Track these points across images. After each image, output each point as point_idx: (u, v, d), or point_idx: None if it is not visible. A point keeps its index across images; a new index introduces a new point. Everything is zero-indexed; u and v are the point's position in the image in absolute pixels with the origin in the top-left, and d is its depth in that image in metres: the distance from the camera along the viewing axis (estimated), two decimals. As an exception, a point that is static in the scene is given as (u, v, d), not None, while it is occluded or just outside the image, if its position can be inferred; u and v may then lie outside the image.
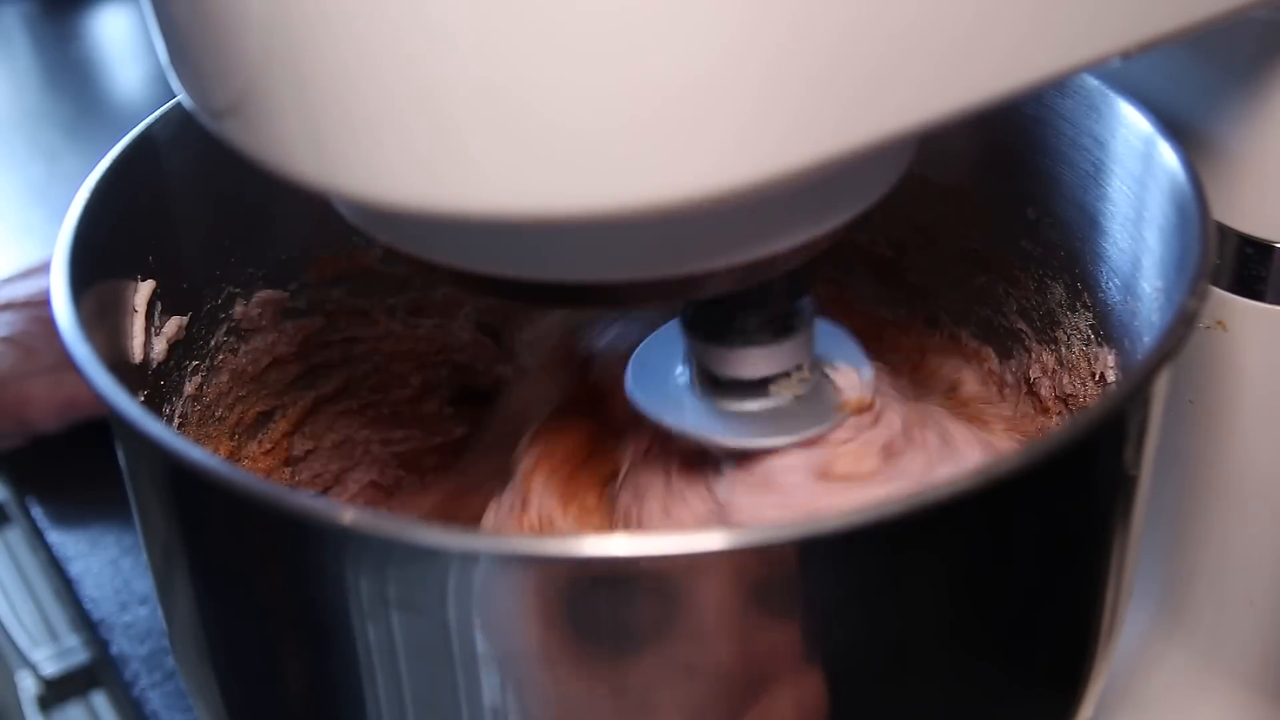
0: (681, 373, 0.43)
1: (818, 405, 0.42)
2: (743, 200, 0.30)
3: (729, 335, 0.41)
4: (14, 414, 0.76)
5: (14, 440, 0.77)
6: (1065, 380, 0.49)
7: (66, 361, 0.37)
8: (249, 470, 0.53)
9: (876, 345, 0.54)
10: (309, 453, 0.55)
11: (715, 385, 0.42)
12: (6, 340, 0.77)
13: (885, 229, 0.54)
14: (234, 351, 0.51)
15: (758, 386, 0.42)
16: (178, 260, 0.47)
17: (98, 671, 0.70)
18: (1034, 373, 0.50)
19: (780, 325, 0.41)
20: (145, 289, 0.45)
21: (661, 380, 0.43)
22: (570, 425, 0.47)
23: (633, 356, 0.44)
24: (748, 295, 0.39)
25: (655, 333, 0.45)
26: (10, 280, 0.82)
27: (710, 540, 0.31)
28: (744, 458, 0.41)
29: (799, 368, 0.42)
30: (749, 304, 0.40)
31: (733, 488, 0.41)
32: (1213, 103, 0.45)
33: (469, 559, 0.32)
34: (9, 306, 0.80)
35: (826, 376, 0.43)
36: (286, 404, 0.54)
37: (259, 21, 0.30)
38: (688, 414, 0.42)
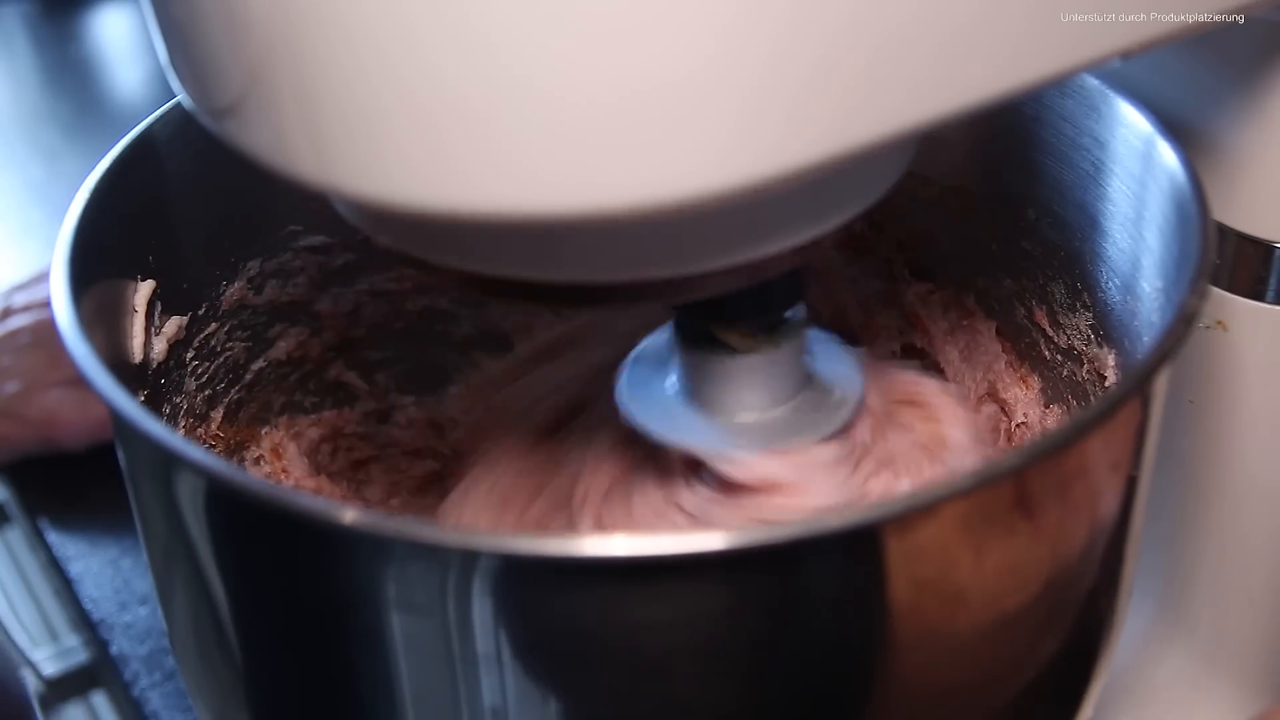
0: (672, 384, 0.43)
1: (809, 418, 0.42)
2: (740, 201, 0.30)
3: (715, 347, 0.41)
4: (42, 433, 0.75)
5: (35, 453, 0.76)
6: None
7: None
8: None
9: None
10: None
11: (704, 397, 0.42)
12: (31, 348, 0.77)
13: (885, 228, 0.54)
14: (234, 351, 0.51)
15: (744, 399, 0.42)
16: (178, 260, 0.47)
17: (98, 671, 0.70)
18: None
19: (767, 337, 0.41)
20: (145, 289, 0.45)
21: (653, 391, 0.43)
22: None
23: (624, 368, 0.44)
24: (737, 305, 0.39)
25: (644, 343, 0.45)
26: (33, 282, 0.82)
27: (710, 540, 0.31)
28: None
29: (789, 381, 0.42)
30: (737, 314, 0.40)
31: (710, 500, 0.41)
32: (1213, 103, 0.45)
33: (469, 559, 0.32)
34: (30, 308, 0.79)
35: (822, 388, 0.43)
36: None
37: (259, 21, 0.30)
38: (678, 426, 0.42)
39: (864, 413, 0.43)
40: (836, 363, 0.44)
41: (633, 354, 0.45)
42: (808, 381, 0.43)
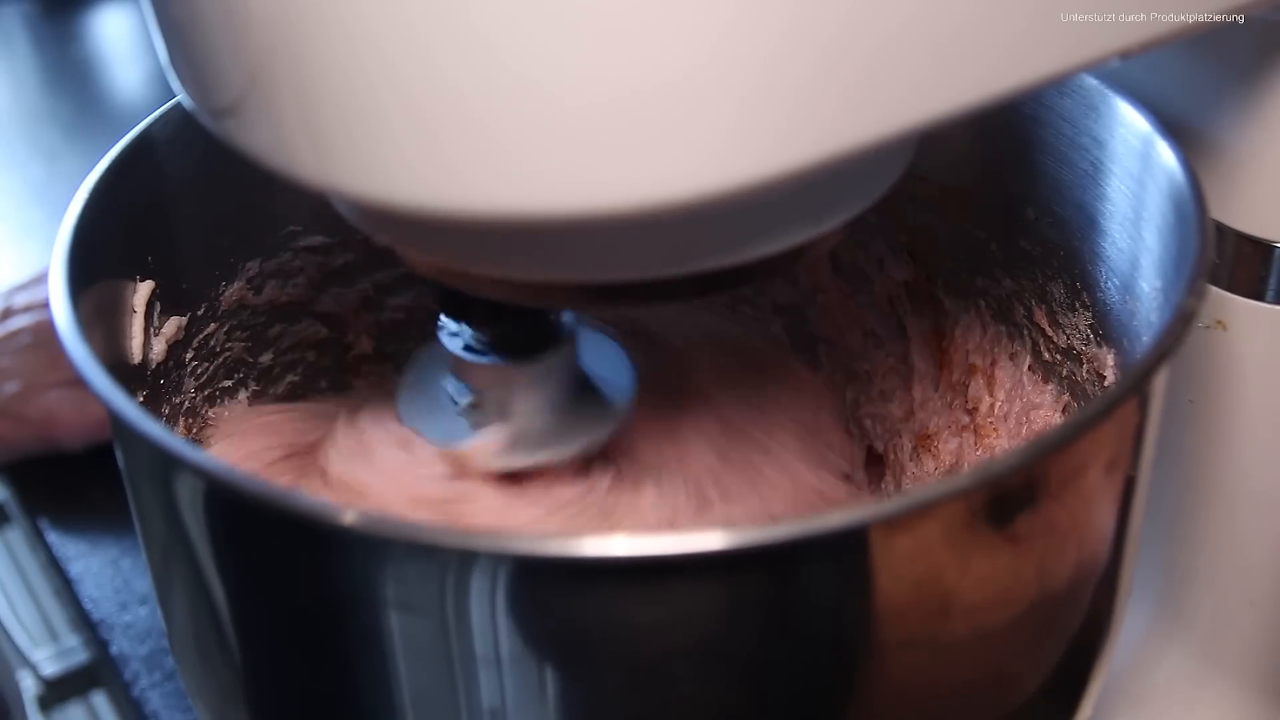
0: (449, 390, 0.44)
1: (576, 427, 0.43)
2: (738, 201, 0.30)
3: (487, 353, 0.42)
4: (41, 433, 0.75)
5: (35, 453, 0.76)
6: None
7: None
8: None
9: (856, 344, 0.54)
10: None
11: (482, 401, 0.43)
12: (31, 348, 0.77)
13: (884, 229, 0.54)
14: (233, 351, 0.51)
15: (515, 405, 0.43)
16: (177, 260, 0.47)
17: (98, 671, 0.70)
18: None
19: (518, 345, 0.42)
20: (145, 289, 0.45)
21: (431, 402, 0.45)
22: None
23: (403, 375, 0.46)
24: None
25: (419, 358, 0.46)
26: (34, 282, 0.82)
27: (710, 540, 0.31)
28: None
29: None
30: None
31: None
32: (1213, 103, 0.45)
33: (467, 559, 0.32)
34: (31, 308, 0.79)
35: (595, 394, 0.44)
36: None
37: (259, 21, 0.30)
38: (447, 430, 0.43)
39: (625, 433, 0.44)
40: (612, 371, 0.45)
41: (413, 361, 0.46)
42: (581, 389, 0.44)
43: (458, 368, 0.44)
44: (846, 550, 0.33)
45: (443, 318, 0.43)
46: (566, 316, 0.43)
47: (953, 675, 0.37)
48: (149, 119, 0.46)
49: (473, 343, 0.43)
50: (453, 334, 0.43)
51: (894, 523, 0.33)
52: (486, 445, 0.42)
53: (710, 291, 0.40)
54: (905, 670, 0.36)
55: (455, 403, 0.44)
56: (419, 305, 0.56)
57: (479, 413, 0.43)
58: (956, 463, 0.54)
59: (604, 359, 0.45)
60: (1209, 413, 0.49)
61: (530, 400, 0.43)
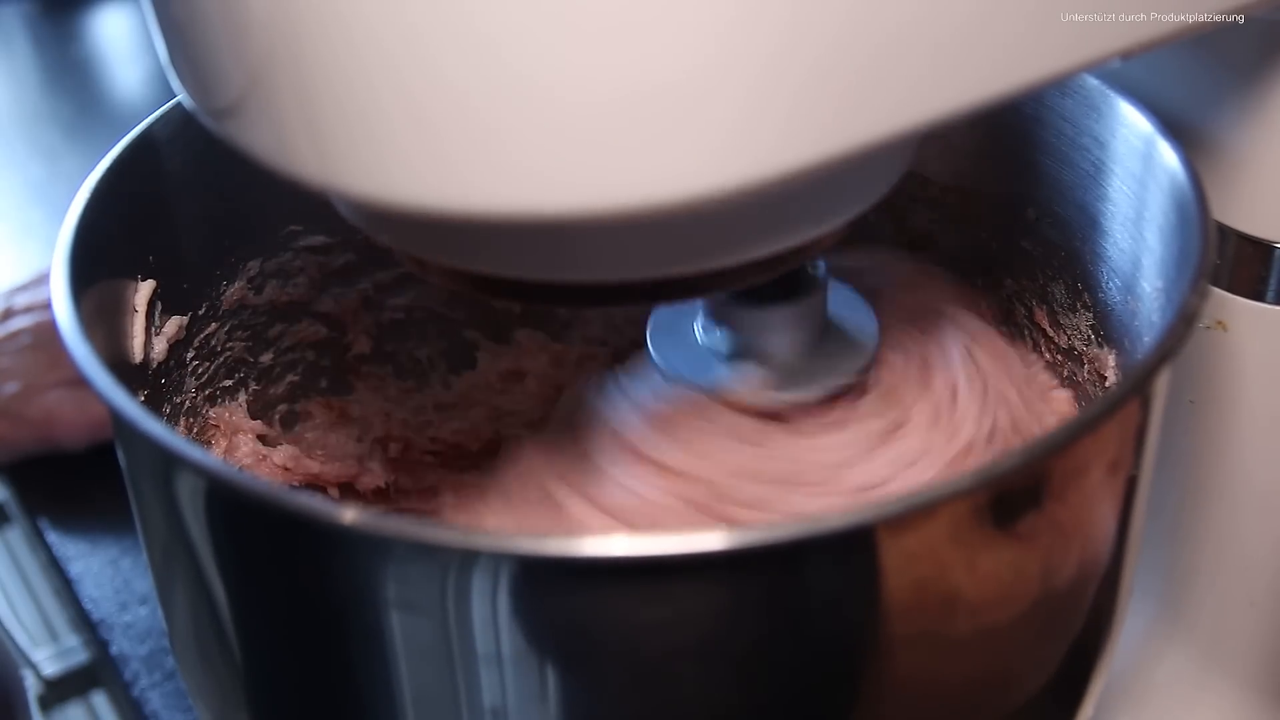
0: (700, 333, 0.45)
1: (832, 362, 0.44)
2: (737, 202, 0.30)
3: (745, 297, 0.43)
4: (41, 433, 0.75)
5: (35, 453, 0.76)
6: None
7: None
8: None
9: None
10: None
11: (735, 344, 0.44)
12: (31, 349, 0.77)
13: (884, 229, 0.54)
14: (234, 350, 0.51)
15: (773, 344, 0.44)
16: (178, 260, 0.47)
17: (98, 671, 0.70)
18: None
19: (789, 289, 0.43)
20: (145, 289, 0.45)
21: (684, 344, 0.45)
22: None
23: (650, 325, 0.46)
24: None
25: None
26: (35, 283, 0.82)
27: (710, 540, 0.31)
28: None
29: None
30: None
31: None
32: (1213, 103, 0.45)
33: (468, 559, 0.32)
34: (32, 309, 0.79)
35: (844, 336, 0.45)
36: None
37: (260, 21, 0.30)
38: (713, 373, 0.44)
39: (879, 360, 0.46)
40: (854, 311, 0.46)
41: (655, 311, 0.47)
42: (829, 328, 0.45)
43: (715, 313, 0.44)
44: (847, 551, 0.33)
45: None
46: (819, 262, 0.44)
47: (954, 676, 0.37)
48: (149, 119, 0.46)
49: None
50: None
51: (895, 523, 0.33)
52: (749, 385, 0.44)
53: (709, 292, 0.40)
54: (907, 670, 0.36)
55: (710, 348, 0.45)
56: (419, 305, 0.56)
57: (736, 356, 0.44)
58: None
59: (846, 303, 0.47)
60: (1210, 413, 0.49)
61: (785, 342, 0.44)
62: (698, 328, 0.45)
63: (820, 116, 0.30)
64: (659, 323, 0.46)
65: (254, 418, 0.52)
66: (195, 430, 0.50)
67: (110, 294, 0.43)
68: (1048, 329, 0.49)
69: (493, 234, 0.35)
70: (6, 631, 0.69)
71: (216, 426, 0.51)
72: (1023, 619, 0.37)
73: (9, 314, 0.79)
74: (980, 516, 0.34)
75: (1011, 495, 0.34)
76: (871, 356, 0.45)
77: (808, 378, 0.44)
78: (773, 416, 0.44)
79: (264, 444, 0.53)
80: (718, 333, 0.45)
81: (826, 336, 0.45)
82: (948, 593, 0.35)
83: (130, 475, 0.40)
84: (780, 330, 0.44)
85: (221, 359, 0.51)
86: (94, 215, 0.42)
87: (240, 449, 0.52)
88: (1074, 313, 0.48)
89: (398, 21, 0.28)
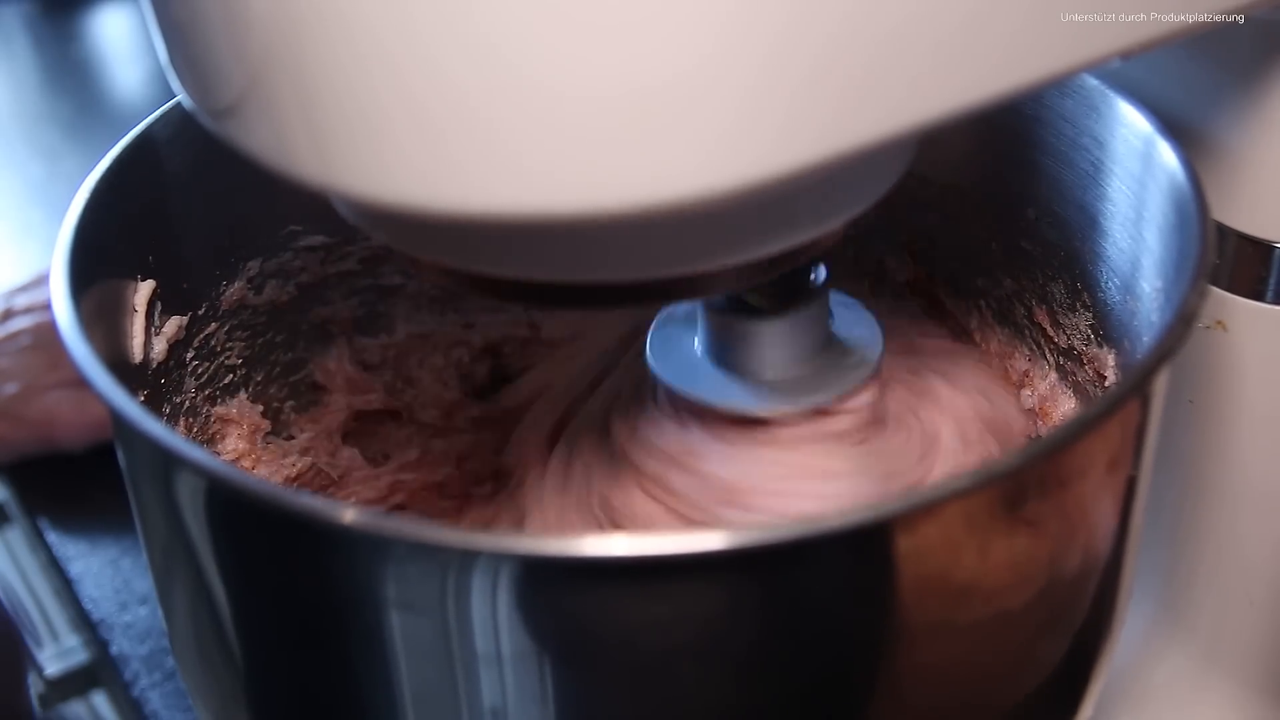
0: (699, 346, 0.45)
1: (829, 376, 0.44)
2: (735, 202, 0.30)
3: (742, 309, 0.43)
4: (41, 434, 0.75)
5: (36, 454, 0.76)
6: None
7: None
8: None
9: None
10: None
11: (731, 357, 0.44)
12: (31, 349, 0.77)
13: (884, 229, 0.54)
14: (234, 350, 0.51)
15: (770, 358, 0.44)
16: (178, 260, 0.47)
17: (98, 671, 0.70)
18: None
19: (792, 300, 0.43)
20: (145, 289, 0.45)
21: (680, 353, 0.45)
22: None
23: (650, 334, 0.46)
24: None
25: (666, 310, 0.47)
26: (35, 284, 0.82)
27: (710, 540, 0.31)
28: (752, 425, 0.43)
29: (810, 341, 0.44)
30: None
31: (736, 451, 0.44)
32: (1213, 103, 0.45)
33: (468, 559, 0.32)
34: (32, 309, 0.79)
35: (842, 349, 0.45)
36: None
37: (259, 21, 0.30)
38: (704, 384, 0.44)
39: (878, 379, 0.45)
40: (857, 325, 0.46)
41: (657, 319, 0.47)
42: (829, 342, 0.45)
43: (709, 323, 0.44)
44: (845, 551, 0.33)
45: None
46: (818, 272, 0.44)
47: (953, 676, 0.37)
48: (149, 119, 0.46)
49: (724, 298, 0.44)
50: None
51: (893, 524, 0.33)
52: (738, 396, 0.44)
53: (707, 292, 0.40)
54: (906, 670, 0.36)
55: (705, 358, 0.45)
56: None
57: (730, 366, 0.44)
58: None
59: (853, 318, 0.46)
60: (1209, 413, 0.49)
61: (779, 354, 0.44)
62: (696, 339, 0.45)
63: (820, 116, 0.30)
64: (659, 335, 0.46)
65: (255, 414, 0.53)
66: (196, 430, 0.50)
67: (110, 294, 0.43)
68: (1048, 329, 0.49)
69: (492, 234, 0.35)
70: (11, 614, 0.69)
71: (229, 421, 0.51)
72: (1022, 619, 0.37)
73: (9, 314, 0.79)
74: (979, 516, 0.34)
75: (1011, 495, 0.34)
76: (868, 374, 0.44)
77: (800, 390, 0.44)
78: (761, 426, 0.44)
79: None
80: (715, 343, 0.44)
81: (828, 350, 0.45)
82: (947, 593, 0.35)
83: (130, 475, 0.40)
84: (772, 343, 0.44)
85: (222, 359, 0.51)
86: (94, 215, 0.42)
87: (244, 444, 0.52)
88: (1073, 312, 0.48)
89: (397, 20, 0.28)
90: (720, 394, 0.44)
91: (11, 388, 0.76)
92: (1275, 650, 0.52)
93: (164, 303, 0.46)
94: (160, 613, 0.43)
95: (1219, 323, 0.48)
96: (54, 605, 0.75)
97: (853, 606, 0.34)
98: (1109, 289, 0.46)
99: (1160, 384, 0.38)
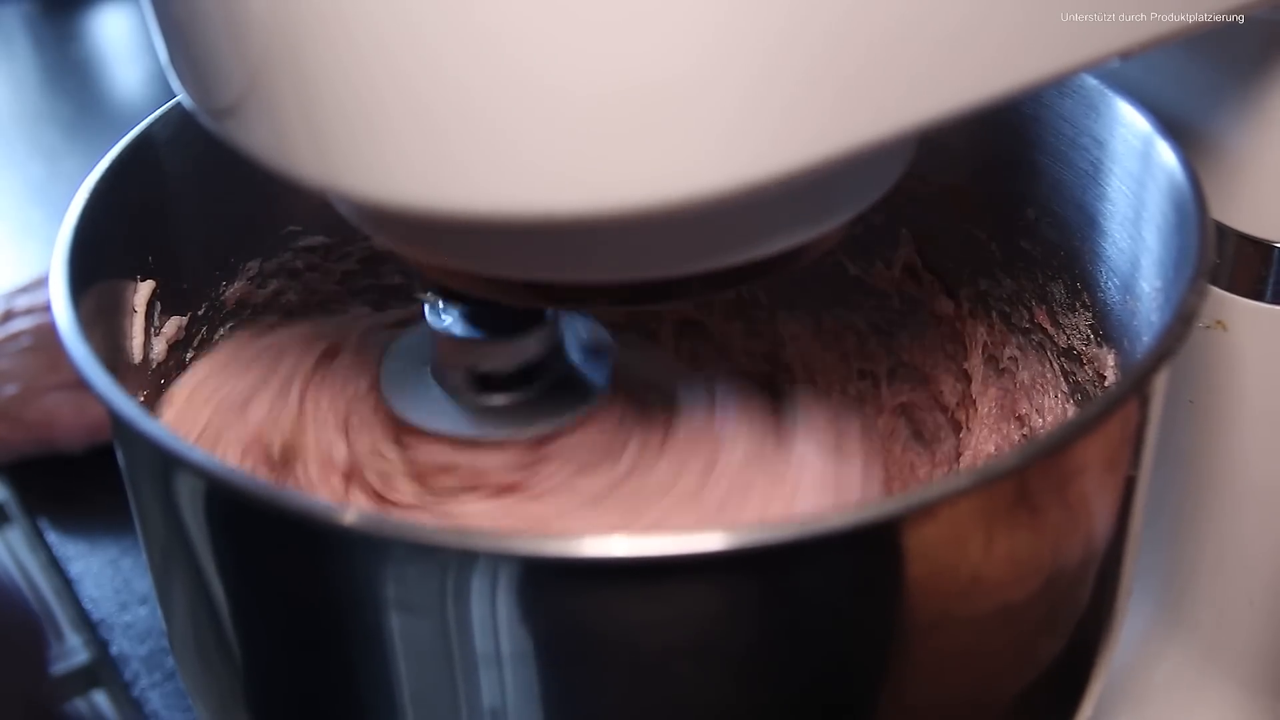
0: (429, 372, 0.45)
1: (552, 405, 0.44)
2: (735, 202, 0.30)
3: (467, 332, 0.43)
4: (41, 435, 0.76)
5: (35, 455, 0.76)
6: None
7: None
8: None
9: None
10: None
11: (473, 381, 0.44)
12: (31, 350, 0.77)
13: (884, 229, 0.54)
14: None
15: (511, 379, 0.44)
16: (178, 260, 0.47)
17: (98, 671, 0.70)
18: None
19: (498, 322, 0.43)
20: (145, 289, 0.45)
21: (415, 382, 0.45)
22: None
23: (382, 365, 0.46)
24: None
25: (402, 338, 0.47)
26: (35, 285, 0.82)
27: (710, 540, 0.31)
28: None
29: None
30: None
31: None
32: (1213, 103, 0.45)
33: (468, 560, 0.32)
34: (32, 311, 0.79)
35: (573, 378, 0.45)
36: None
37: (259, 20, 0.30)
38: (438, 414, 0.44)
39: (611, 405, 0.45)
40: (590, 354, 0.46)
41: (400, 339, 0.47)
42: (561, 370, 0.45)
43: (440, 346, 0.44)
44: (844, 551, 0.33)
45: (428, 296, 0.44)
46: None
47: (952, 677, 0.37)
48: (149, 119, 0.46)
49: (455, 322, 0.44)
50: (438, 312, 0.44)
51: (890, 525, 0.33)
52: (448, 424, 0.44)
53: (706, 293, 0.40)
54: (905, 671, 0.36)
55: (436, 383, 0.45)
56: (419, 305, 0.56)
57: (457, 389, 0.44)
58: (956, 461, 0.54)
59: (596, 356, 0.46)
60: (1209, 413, 0.49)
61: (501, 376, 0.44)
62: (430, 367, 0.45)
63: (818, 116, 0.30)
64: (392, 368, 0.46)
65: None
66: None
67: (110, 294, 0.43)
68: (1049, 329, 0.49)
69: (496, 235, 0.35)
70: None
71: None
72: (1022, 619, 0.37)
73: (9, 316, 0.79)
74: (979, 516, 0.34)
75: (1011, 495, 0.34)
76: (581, 413, 0.44)
77: (516, 419, 0.44)
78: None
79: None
80: (452, 371, 0.44)
81: (557, 384, 0.44)
82: (947, 593, 0.35)
83: (129, 476, 0.40)
84: (494, 364, 0.43)
85: (221, 359, 0.51)
86: (94, 215, 0.42)
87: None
88: (1073, 312, 0.48)
89: (398, 19, 0.28)
90: (437, 420, 0.44)
91: (11, 389, 0.76)
92: (1275, 650, 0.52)
93: (164, 303, 0.46)
94: (160, 613, 0.43)
95: (1219, 322, 0.48)
96: (54, 605, 0.75)
97: (851, 606, 0.34)
98: (1109, 289, 0.46)
99: (1160, 384, 0.38)
